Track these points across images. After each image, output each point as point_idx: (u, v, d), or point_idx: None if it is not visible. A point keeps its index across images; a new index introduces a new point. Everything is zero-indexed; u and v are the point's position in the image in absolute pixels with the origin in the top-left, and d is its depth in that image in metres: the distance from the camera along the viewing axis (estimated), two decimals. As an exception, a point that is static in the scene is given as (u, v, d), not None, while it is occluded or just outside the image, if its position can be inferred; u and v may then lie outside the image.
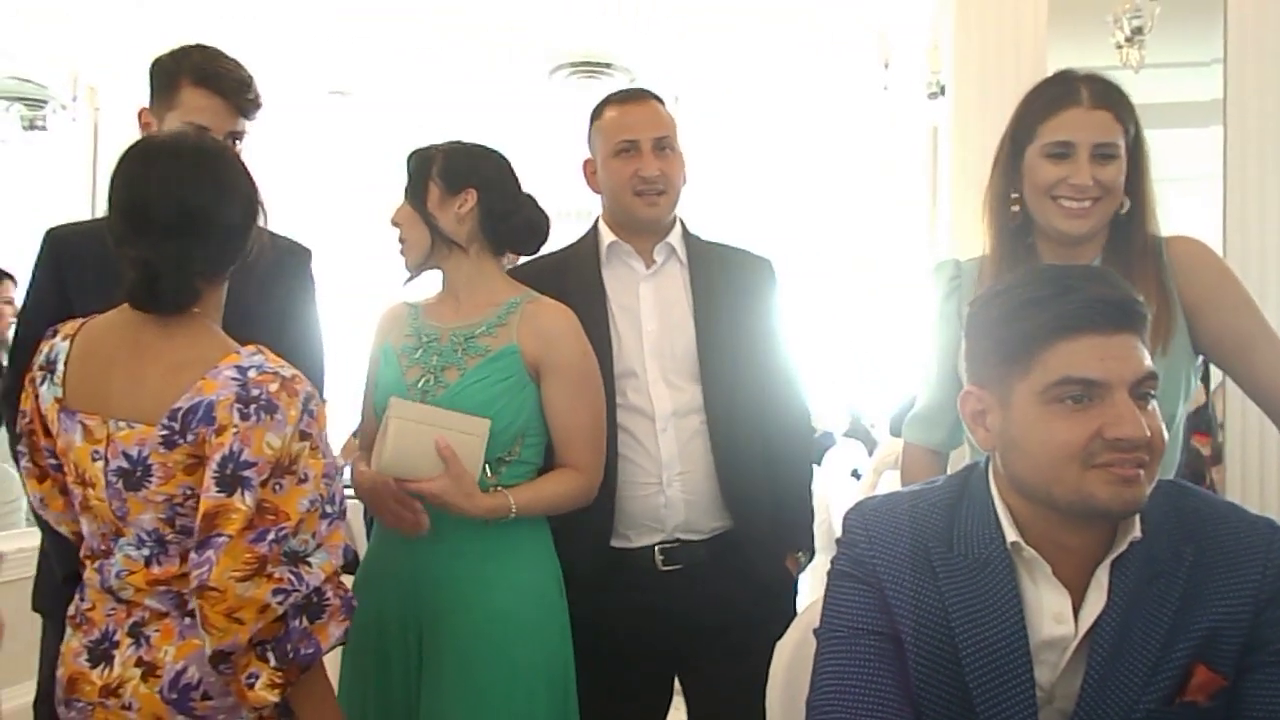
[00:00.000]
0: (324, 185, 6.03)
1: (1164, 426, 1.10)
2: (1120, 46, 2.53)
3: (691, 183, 1.95)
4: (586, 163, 1.92)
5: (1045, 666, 1.12)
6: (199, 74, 1.69)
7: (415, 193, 1.71)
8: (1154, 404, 1.09)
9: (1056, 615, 1.12)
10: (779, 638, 1.41)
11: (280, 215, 1.48)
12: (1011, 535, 1.13)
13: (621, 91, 1.92)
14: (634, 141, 1.82)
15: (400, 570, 1.66)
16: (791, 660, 1.38)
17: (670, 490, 1.80)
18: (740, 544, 1.82)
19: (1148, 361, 1.08)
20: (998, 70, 2.56)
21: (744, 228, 2.48)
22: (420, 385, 1.67)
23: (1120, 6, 2.54)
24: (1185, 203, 3.15)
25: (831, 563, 1.22)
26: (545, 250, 1.86)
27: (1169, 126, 3.20)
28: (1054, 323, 1.07)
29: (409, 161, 1.73)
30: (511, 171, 1.74)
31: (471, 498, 1.58)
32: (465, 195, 1.68)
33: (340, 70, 4.69)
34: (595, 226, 1.92)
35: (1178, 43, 2.72)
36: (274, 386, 1.27)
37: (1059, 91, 1.53)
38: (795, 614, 1.45)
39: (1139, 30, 2.50)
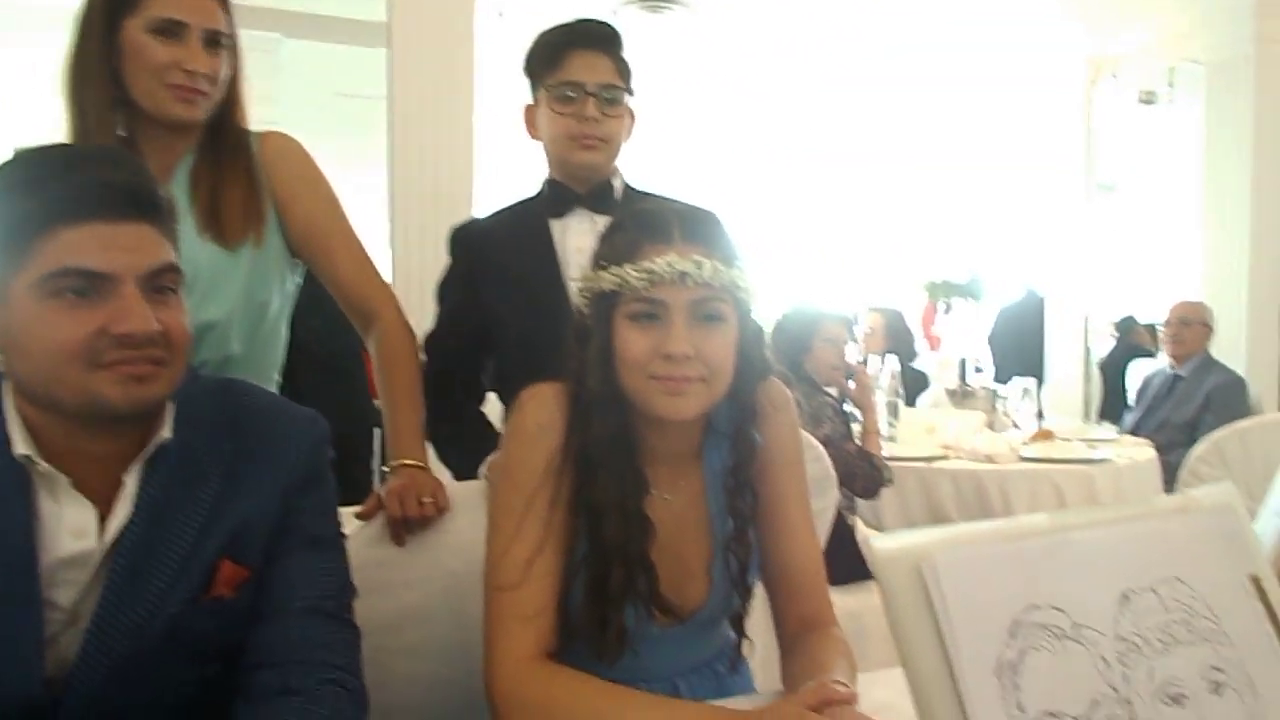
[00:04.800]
0: None
1: (187, 321, 1.06)
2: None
3: None
4: None
5: (69, 586, 1.03)
6: None
7: None
8: (178, 298, 1.04)
9: (76, 530, 1.03)
10: None
11: None
12: (22, 448, 1.01)
13: None
14: None
15: None
16: None
17: None
18: None
19: (166, 255, 1.02)
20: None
21: None
22: None
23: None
24: (369, 117, 3.33)
25: None
26: None
27: (344, 43, 3.35)
28: (52, 206, 0.96)
29: None
30: None
31: None
32: None
33: None
34: None
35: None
36: None
37: None
38: None
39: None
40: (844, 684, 1.12)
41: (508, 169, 1.82)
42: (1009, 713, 0.45)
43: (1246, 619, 0.53)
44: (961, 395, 3.98)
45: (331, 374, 2.36)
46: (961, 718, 0.45)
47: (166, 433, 1.06)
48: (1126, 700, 0.48)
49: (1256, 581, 0.54)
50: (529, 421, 1.21)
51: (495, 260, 1.73)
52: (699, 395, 1.17)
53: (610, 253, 1.18)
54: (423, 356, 1.68)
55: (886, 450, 3.29)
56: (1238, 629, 0.52)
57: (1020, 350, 5.72)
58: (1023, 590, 0.48)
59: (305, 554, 1.13)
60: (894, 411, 3.47)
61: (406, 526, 1.44)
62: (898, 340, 4.65)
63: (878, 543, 0.48)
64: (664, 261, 1.14)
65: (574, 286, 1.24)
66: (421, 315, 1.76)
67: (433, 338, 1.80)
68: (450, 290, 1.81)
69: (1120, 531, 0.53)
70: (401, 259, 2.60)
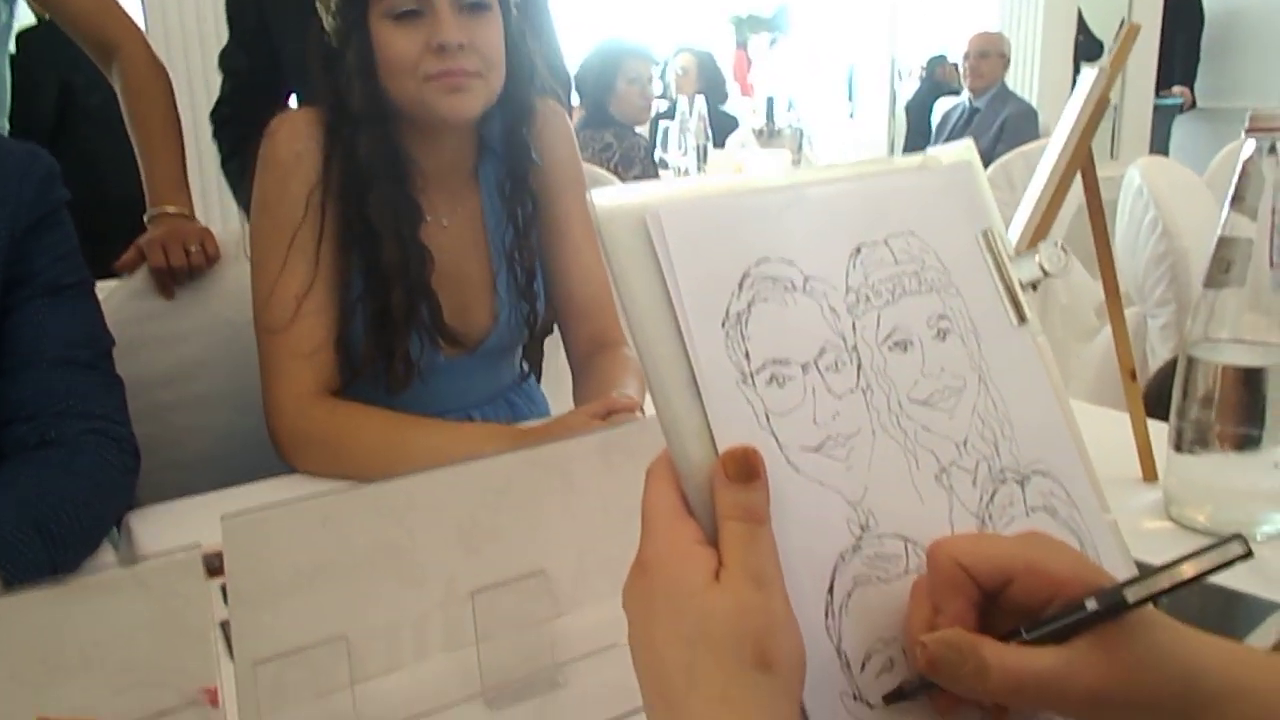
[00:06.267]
0: None
1: None
2: None
3: None
4: None
5: None
6: None
7: None
8: None
9: None
10: None
11: None
12: None
13: None
14: None
15: None
16: None
17: None
18: None
19: None
20: None
21: None
22: None
23: None
24: None
25: None
26: None
27: None
28: None
29: None
30: None
31: None
32: None
33: None
34: None
35: None
36: None
37: None
38: None
39: None
40: (630, 396, 1.13)
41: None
42: (736, 361, 0.45)
43: (975, 271, 0.54)
44: (768, 135, 4.00)
45: (115, 131, 2.12)
46: (687, 370, 0.44)
47: None
48: (853, 347, 0.48)
49: (987, 236, 0.55)
50: (282, 151, 1.12)
51: None
52: (478, 91, 1.10)
53: None
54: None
55: (696, 191, 3.28)
56: (966, 280, 0.53)
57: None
58: (753, 243, 0.47)
59: (46, 302, 1.03)
60: (702, 154, 3.44)
61: (174, 277, 1.34)
62: (709, 82, 4.58)
63: (599, 198, 0.45)
64: None
65: None
66: (187, 69, 1.59)
67: (226, 55, 1.72)
68: (239, 9, 1.69)
69: (858, 187, 0.53)
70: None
